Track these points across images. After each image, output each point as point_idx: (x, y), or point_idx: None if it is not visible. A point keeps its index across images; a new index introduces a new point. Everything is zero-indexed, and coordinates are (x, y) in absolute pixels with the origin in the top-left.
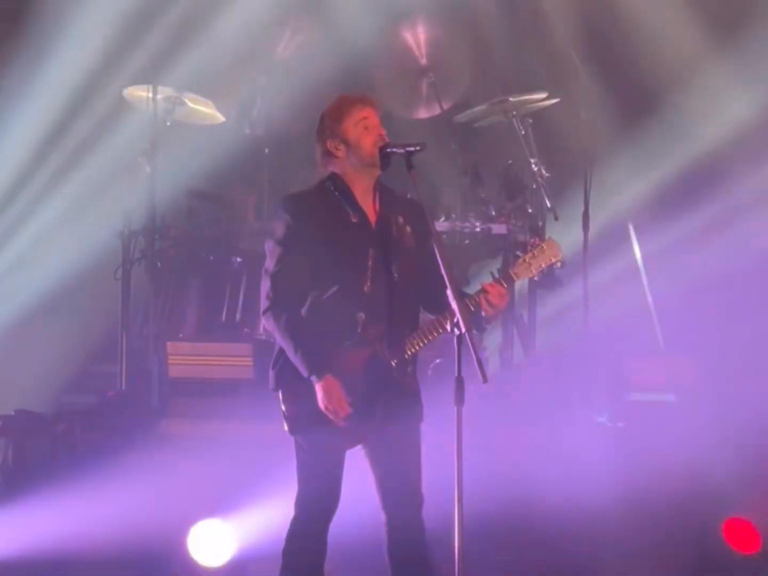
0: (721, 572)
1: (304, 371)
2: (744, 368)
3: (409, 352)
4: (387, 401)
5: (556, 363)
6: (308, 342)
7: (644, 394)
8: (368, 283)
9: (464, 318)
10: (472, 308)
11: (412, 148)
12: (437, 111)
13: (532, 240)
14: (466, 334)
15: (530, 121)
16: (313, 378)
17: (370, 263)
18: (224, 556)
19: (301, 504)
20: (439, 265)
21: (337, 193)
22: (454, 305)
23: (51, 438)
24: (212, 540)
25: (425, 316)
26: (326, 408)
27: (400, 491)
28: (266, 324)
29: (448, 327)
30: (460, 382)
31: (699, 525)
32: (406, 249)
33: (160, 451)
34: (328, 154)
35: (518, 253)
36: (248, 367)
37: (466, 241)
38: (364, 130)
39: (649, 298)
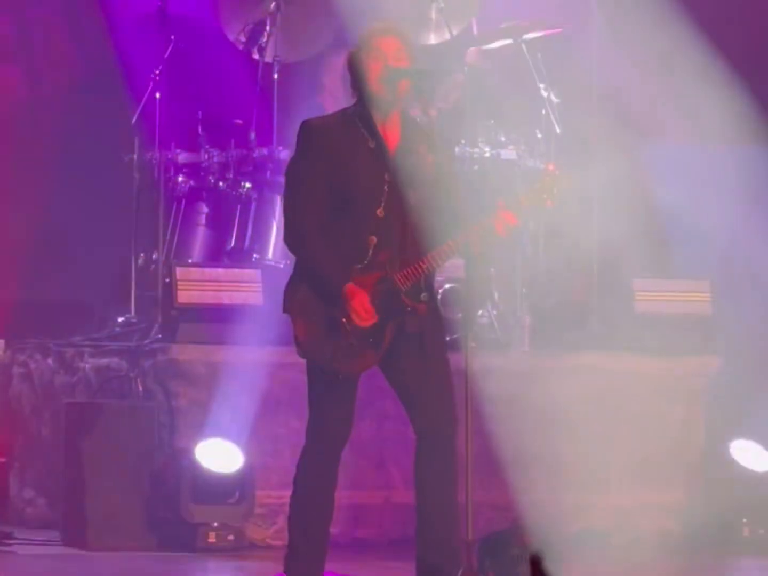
0: None
1: (327, 284)
2: None
3: (419, 277)
4: (398, 324)
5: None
6: (330, 257)
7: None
8: (381, 208)
9: (474, 242)
10: (482, 234)
11: (419, 74)
12: (447, 37)
13: (545, 167)
14: (476, 258)
15: (540, 46)
16: (338, 287)
17: (385, 188)
18: (232, 468)
19: (312, 431)
20: (454, 194)
21: (357, 119)
22: (465, 230)
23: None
24: (220, 456)
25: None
26: (354, 314)
27: (429, 410)
28: (287, 244)
29: (458, 251)
30: (468, 306)
31: None
32: (424, 177)
33: (169, 376)
34: (352, 85)
35: (530, 181)
36: (257, 292)
37: (476, 167)
38: (374, 61)
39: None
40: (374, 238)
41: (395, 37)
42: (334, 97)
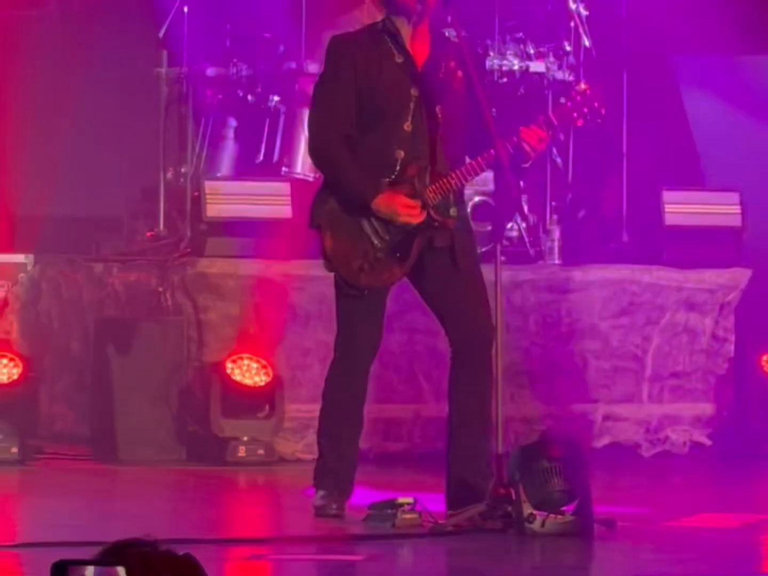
0: None
1: (358, 196)
2: None
3: (447, 191)
4: (425, 239)
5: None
6: (356, 167)
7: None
8: (408, 122)
9: (503, 156)
10: (511, 150)
11: None
12: None
13: (577, 85)
14: (506, 171)
15: None
16: (370, 198)
17: (411, 103)
18: (262, 382)
19: (341, 345)
20: (482, 108)
21: (385, 35)
22: (494, 144)
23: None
24: (249, 370)
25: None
26: (401, 216)
27: (466, 322)
28: (313, 158)
29: (487, 166)
30: (498, 219)
31: None
32: (453, 91)
33: (197, 290)
34: (381, 2)
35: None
36: (286, 206)
37: (504, 80)
38: None
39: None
40: (402, 153)
41: None
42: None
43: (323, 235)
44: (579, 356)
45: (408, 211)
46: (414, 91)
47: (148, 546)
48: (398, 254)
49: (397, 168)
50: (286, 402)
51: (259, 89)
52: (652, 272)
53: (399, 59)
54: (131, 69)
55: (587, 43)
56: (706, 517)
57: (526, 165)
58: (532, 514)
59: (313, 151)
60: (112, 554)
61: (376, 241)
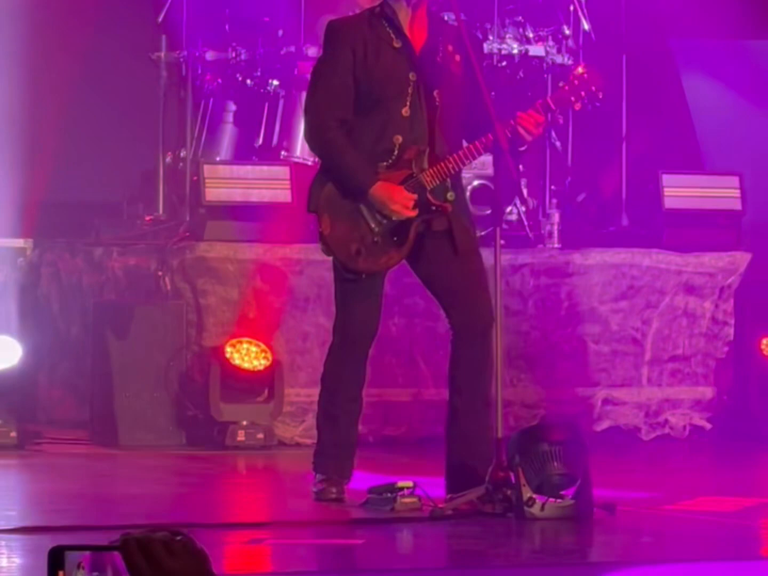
0: None
1: (354, 183)
2: None
3: (446, 175)
4: (423, 223)
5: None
6: (353, 152)
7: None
8: (407, 107)
9: (502, 139)
10: (509, 133)
11: None
12: None
13: (574, 68)
14: (505, 155)
15: None
16: (368, 186)
17: (409, 87)
18: (261, 366)
19: (339, 329)
20: (481, 91)
21: (383, 19)
22: (492, 128)
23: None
24: (248, 354)
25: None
26: (394, 208)
27: (466, 305)
28: (309, 143)
29: (486, 150)
30: (497, 203)
31: None
32: (451, 75)
33: (197, 274)
34: None
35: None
36: (286, 190)
37: (503, 63)
38: None
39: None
40: (399, 137)
41: None
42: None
43: (321, 219)
44: (578, 340)
45: (402, 204)
46: (412, 76)
47: (149, 530)
48: (396, 238)
49: (395, 153)
50: (285, 386)
51: (258, 73)
52: (652, 256)
53: (397, 44)
54: (130, 53)
55: (586, 27)
56: (706, 501)
57: (523, 148)
58: (531, 498)
59: (310, 135)
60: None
61: (373, 225)
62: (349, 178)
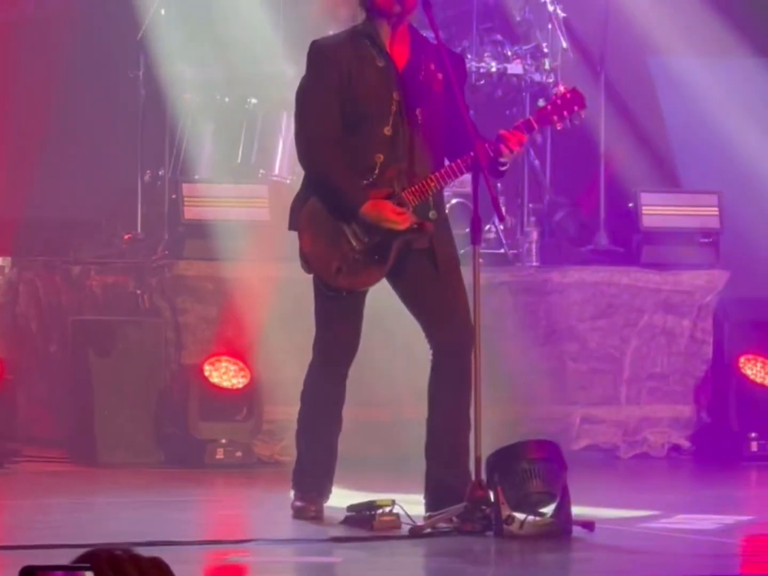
0: None
1: (346, 202)
2: None
3: (427, 194)
4: (405, 241)
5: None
6: (347, 171)
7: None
8: (389, 126)
9: (482, 157)
10: (491, 153)
11: None
12: None
13: (556, 88)
14: (483, 173)
15: None
16: (359, 205)
17: (393, 106)
18: (240, 384)
19: (319, 347)
20: (461, 110)
21: (365, 38)
22: (473, 147)
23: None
24: (227, 372)
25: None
26: (389, 222)
27: (446, 324)
28: (304, 164)
29: (465, 168)
30: (475, 221)
31: None
32: (434, 94)
33: (175, 293)
34: (360, 3)
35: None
36: (264, 208)
37: (482, 82)
38: None
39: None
40: (381, 156)
41: None
42: (332, 13)
43: (302, 237)
44: (557, 358)
45: (395, 218)
46: (396, 95)
47: (117, 550)
48: (376, 257)
49: (376, 171)
50: (264, 404)
51: (237, 92)
52: (630, 274)
53: (380, 62)
54: (109, 72)
55: (565, 44)
56: (684, 519)
57: (504, 168)
58: (510, 515)
59: (304, 157)
60: (81, 559)
61: (354, 243)
62: (341, 198)
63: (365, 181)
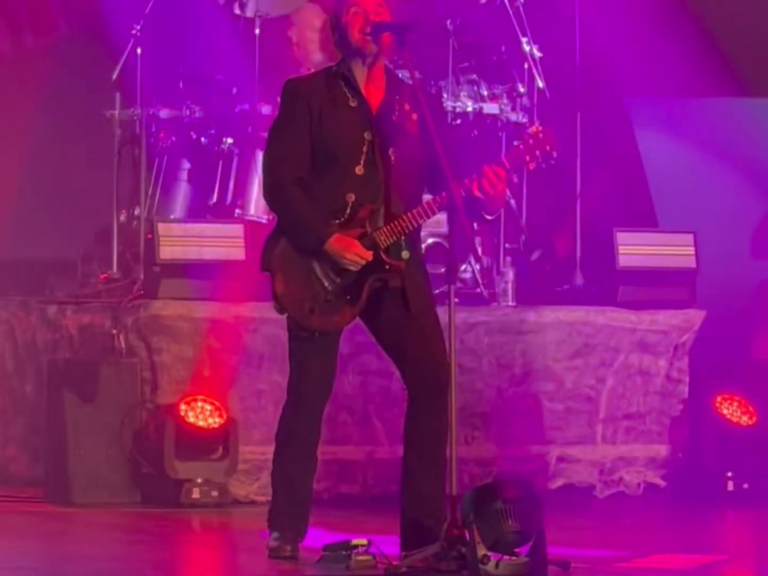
0: None
1: (311, 236)
2: None
3: (400, 234)
4: (377, 281)
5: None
6: (311, 207)
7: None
8: (360, 166)
9: (457, 196)
10: (463, 192)
11: (401, 28)
12: None
13: (528, 128)
14: (458, 212)
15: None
16: (324, 238)
17: (364, 147)
18: (215, 424)
19: (293, 387)
20: (436, 150)
21: (340, 78)
22: (447, 187)
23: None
24: (203, 412)
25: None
26: (347, 259)
27: (421, 364)
28: (267, 200)
29: (438, 207)
30: (451, 261)
31: None
32: (407, 133)
33: (151, 332)
34: (335, 44)
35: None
36: (240, 248)
37: (458, 121)
38: (354, 16)
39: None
40: (352, 195)
41: None
42: (303, 50)
43: (274, 278)
44: (533, 398)
45: (353, 258)
46: (367, 135)
47: None
48: (349, 297)
49: (347, 211)
50: (239, 444)
51: (213, 131)
52: (606, 314)
53: (353, 103)
54: (84, 111)
55: (541, 84)
56: (660, 558)
57: (490, 217)
58: (486, 555)
59: (268, 192)
60: None
61: (327, 284)
62: (306, 233)
63: (336, 221)
